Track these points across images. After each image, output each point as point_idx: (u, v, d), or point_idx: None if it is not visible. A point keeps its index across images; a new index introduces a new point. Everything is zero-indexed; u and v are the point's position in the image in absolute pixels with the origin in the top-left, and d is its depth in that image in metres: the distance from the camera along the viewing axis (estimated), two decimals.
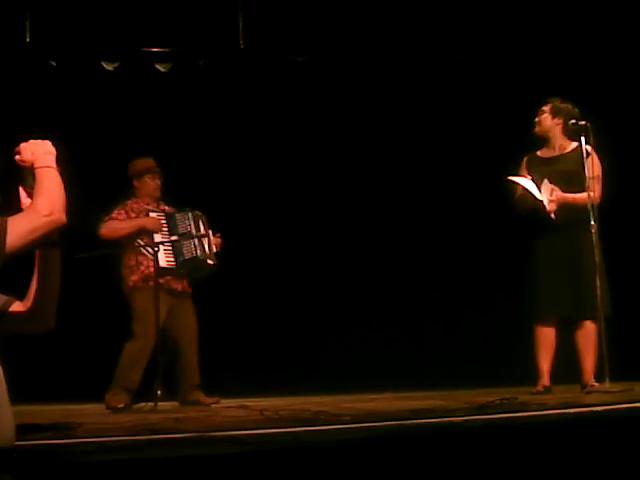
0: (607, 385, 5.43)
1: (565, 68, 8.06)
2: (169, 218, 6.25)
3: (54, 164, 3.05)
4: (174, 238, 6.16)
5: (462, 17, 7.95)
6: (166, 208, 6.38)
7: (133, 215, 6.21)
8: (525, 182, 5.93)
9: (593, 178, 5.86)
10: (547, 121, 6.00)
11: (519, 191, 5.94)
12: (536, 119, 6.05)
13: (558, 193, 5.82)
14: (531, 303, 5.95)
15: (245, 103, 8.15)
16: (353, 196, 8.37)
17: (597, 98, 7.50)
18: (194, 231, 6.20)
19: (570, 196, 5.81)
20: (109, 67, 7.81)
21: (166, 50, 7.84)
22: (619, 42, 8.11)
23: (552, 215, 5.83)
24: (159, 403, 5.67)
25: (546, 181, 5.85)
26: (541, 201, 5.82)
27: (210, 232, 6.33)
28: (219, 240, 6.38)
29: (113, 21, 7.53)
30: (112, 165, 7.29)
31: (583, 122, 5.79)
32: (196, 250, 6.16)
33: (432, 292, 8.48)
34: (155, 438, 3.53)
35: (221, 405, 5.92)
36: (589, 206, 5.66)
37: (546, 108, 6.02)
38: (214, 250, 6.30)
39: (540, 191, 5.84)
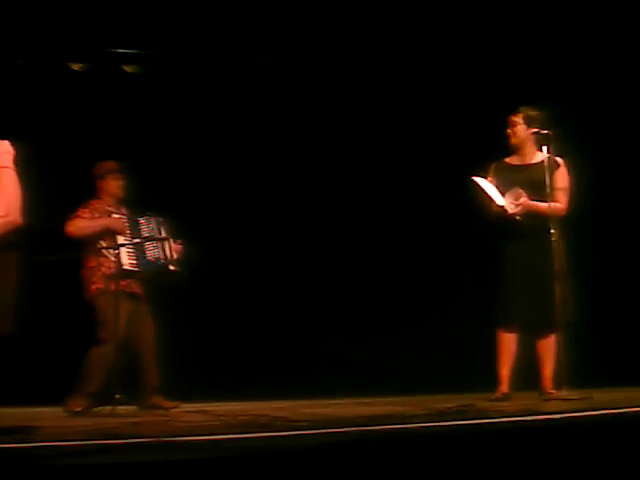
0: (566, 392, 5.48)
1: (534, 75, 8.12)
2: (132, 221, 6.25)
3: (11, 164, 3.02)
4: (137, 241, 6.15)
5: (429, 22, 7.98)
6: (127, 211, 6.36)
7: (97, 215, 6.21)
8: (486, 185, 5.95)
9: (561, 189, 5.92)
10: (522, 132, 6.00)
11: (482, 193, 5.96)
12: (509, 130, 6.03)
13: (526, 200, 5.84)
14: (494, 310, 5.98)
15: (212, 106, 8.14)
16: (320, 200, 8.38)
17: (566, 106, 7.57)
18: (157, 235, 6.20)
19: (536, 204, 5.84)
20: (76, 68, 7.77)
21: (134, 52, 7.81)
22: (587, 50, 8.18)
23: (517, 217, 5.86)
24: (119, 407, 5.64)
25: (516, 188, 5.87)
26: (502, 206, 5.85)
27: (171, 239, 6.32)
28: (179, 247, 6.37)
29: (81, 22, 7.49)
30: (78, 166, 7.27)
31: (546, 131, 5.84)
32: (159, 254, 6.18)
33: (393, 298, 8.50)
34: (111, 443, 3.51)
35: (181, 410, 5.89)
36: (552, 215, 5.71)
37: (518, 119, 6.01)
38: (175, 256, 6.30)
39: (504, 195, 5.86)
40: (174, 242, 6.33)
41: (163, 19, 7.61)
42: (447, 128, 8.39)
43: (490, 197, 5.89)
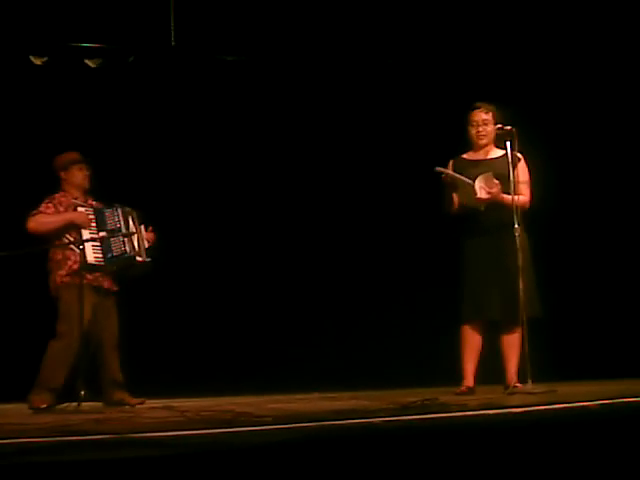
0: (530, 386, 5.52)
1: (491, 72, 8.17)
2: (98, 213, 6.15)
3: None
4: (102, 234, 6.06)
5: (391, 21, 8.00)
6: (93, 203, 6.29)
7: (62, 209, 6.12)
8: (453, 172, 5.95)
9: (523, 183, 5.95)
10: (492, 130, 6.00)
11: (448, 179, 5.92)
12: (480, 129, 5.99)
13: (498, 189, 5.83)
14: (459, 305, 6.00)
15: (174, 101, 8.10)
16: (283, 195, 8.38)
17: (522, 102, 7.62)
18: (123, 227, 6.11)
19: (504, 196, 5.85)
20: (37, 61, 7.69)
21: (96, 46, 7.75)
22: (549, 45, 8.24)
23: (481, 207, 5.86)
24: (83, 403, 5.60)
25: (491, 173, 5.86)
26: (472, 185, 5.82)
27: (142, 227, 6.25)
28: (152, 235, 6.30)
29: (43, 15, 7.42)
30: (38, 161, 7.20)
31: (509, 127, 5.86)
32: (125, 247, 6.08)
33: (359, 292, 8.51)
34: (73, 439, 3.48)
35: (146, 406, 5.86)
36: (515, 210, 5.74)
37: (489, 117, 6.00)
38: (146, 246, 6.22)
39: (474, 181, 5.85)
40: (145, 231, 6.28)
41: (126, 13, 7.56)
42: (408, 123, 8.42)
43: (460, 179, 5.86)
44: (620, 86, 8.40)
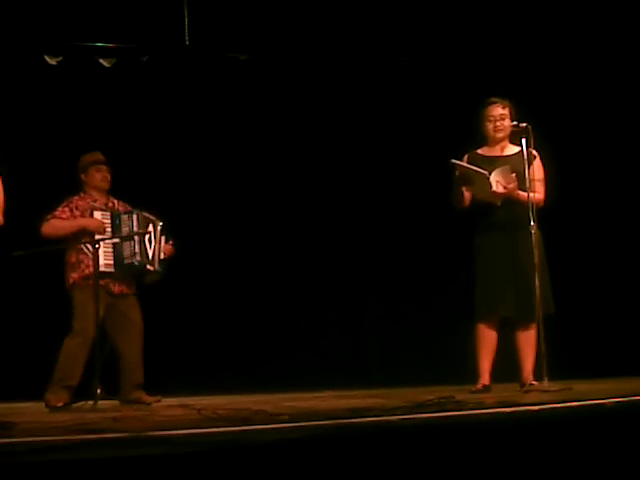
0: (546, 384, 5.50)
1: (504, 69, 8.15)
2: (115, 217, 6.12)
3: None
4: (115, 240, 6.05)
5: (402, 18, 8.01)
6: (115, 203, 6.29)
7: (78, 213, 6.11)
8: (468, 165, 5.92)
9: (538, 181, 5.93)
10: (508, 126, 5.96)
11: (463, 171, 5.89)
12: (498, 123, 5.96)
13: (515, 185, 5.80)
14: (473, 302, 5.98)
15: (189, 100, 8.11)
16: (294, 192, 8.37)
17: (536, 100, 7.60)
18: (137, 233, 6.06)
19: (520, 192, 5.83)
20: (52, 61, 7.71)
21: (110, 45, 7.76)
22: (562, 44, 8.21)
23: (497, 201, 5.83)
24: (100, 402, 5.62)
25: (508, 167, 5.84)
26: (487, 177, 5.79)
27: (163, 239, 6.24)
28: (170, 248, 6.28)
29: (57, 15, 7.44)
30: (55, 161, 7.24)
31: (524, 124, 5.84)
32: (135, 253, 6.03)
33: (374, 291, 8.51)
34: (91, 438, 3.50)
35: (162, 404, 5.88)
36: (530, 207, 5.72)
37: (506, 112, 5.98)
38: (161, 256, 6.19)
39: (490, 173, 5.81)
40: (166, 243, 6.26)
41: (140, 13, 7.58)
42: (421, 121, 8.42)
43: (476, 170, 5.83)
44: (623, 82, 8.37)
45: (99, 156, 6.27)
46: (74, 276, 6.04)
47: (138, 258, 6.04)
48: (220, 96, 8.22)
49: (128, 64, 7.87)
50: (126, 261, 6.03)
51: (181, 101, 8.10)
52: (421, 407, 4.28)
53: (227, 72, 8.14)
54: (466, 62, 8.30)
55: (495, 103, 6.00)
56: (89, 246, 5.94)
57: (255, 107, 8.26)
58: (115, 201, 6.31)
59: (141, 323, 6.15)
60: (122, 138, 7.69)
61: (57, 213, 6.10)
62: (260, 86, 8.23)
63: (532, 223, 5.70)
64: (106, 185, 6.27)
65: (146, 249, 6.10)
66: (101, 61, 7.79)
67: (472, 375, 5.95)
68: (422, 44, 8.21)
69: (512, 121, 5.93)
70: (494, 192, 5.80)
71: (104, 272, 5.96)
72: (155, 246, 6.15)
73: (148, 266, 6.12)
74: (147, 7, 7.58)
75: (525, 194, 5.78)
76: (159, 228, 6.20)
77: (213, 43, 7.85)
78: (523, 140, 5.79)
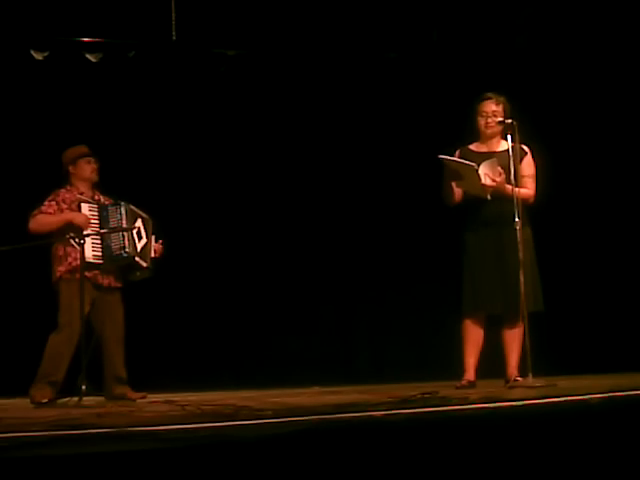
0: (530, 380, 5.51)
1: (494, 65, 8.17)
2: (102, 210, 6.10)
3: None
4: (103, 231, 6.05)
5: (393, 14, 8.02)
6: (101, 197, 6.28)
7: (65, 206, 6.08)
8: (457, 159, 5.92)
9: (529, 177, 5.93)
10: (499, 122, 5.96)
11: (452, 166, 5.88)
12: (490, 120, 5.92)
13: (503, 178, 5.79)
14: (460, 298, 5.99)
15: (176, 96, 8.10)
16: (283, 189, 8.38)
17: (527, 96, 7.62)
18: (125, 226, 6.04)
19: (509, 187, 5.80)
20: (38, 56, 7.69)
21: (97, 40, 7.75)
22: (552, 39, 8.24)
23: (487, 195, 5.83)
24: (85, 398, 5.60)
25: (495, 160, 5.85)
26: (476, 170, 5.78)
27: (153, 237, 6.23)
28: (160, 247, 6.27)
29: (44, 9, 7.42)
30: (41, 156, 7.22)
31: (510, 120, 5.84)
32: (124, 246, 6.01)
33: (360, 287, 8.52)
34: (75, 433, 3.49)
35: (147, 400, 5.87)
36: (516, 203, 5.72)
37: (499, 109, 5.95)
38: (151, 254, 6.19)
39: (478, 166, 5.81)
40: (156, 242, 6.25)
41: (127, 8, 7.57)
42: (410, 117, 8.43)
43: (465, 164, 5.82)
44: (615, 79, 8.39)
45: (87, 149, 6.25)
46: (61, 269, 6.02)
47: (127, 250, 6.03)
48: (207, 92, 8.21)
49: (115, 59, 7.85)
50: (115, 253, 6.02)
51: (168, 97, 8.09)
52: (406, 403, 4.28)
53: (214, 67, 8.13)
54: (455, 58, 8.30)
55: (489, 99, 5.98)
56: (77, 239, 5.92)
57: (243, 103, 8.26)
58: (101, 196, 6.29)
59: (123, 320, 6.13)
60: (109, 134, 7.67)
61: (43, 208, 6.07)
62: (248, 82, 8.23)
63: (517, 219, 5.68)
64: (95, 177, 6.25)
65: (134, 242, 6.09)
66: (88, 56, 7.77)
67: (458, 371, 5.96)
68: (411, 41, 8.21)
69: (506, 117, 5.90)
70: (483, 184, 5.79)
71: (92, 264, 5.95)
72: (145, 242, 6.15)
73: (137, 259, 6.10)
74: (134, 2, 7.57)
75: (515, 189, 5.77)
76: (150, 225, 6.20)
77: (200, 38, 7.85)
78: (508, 136, 5.79)
